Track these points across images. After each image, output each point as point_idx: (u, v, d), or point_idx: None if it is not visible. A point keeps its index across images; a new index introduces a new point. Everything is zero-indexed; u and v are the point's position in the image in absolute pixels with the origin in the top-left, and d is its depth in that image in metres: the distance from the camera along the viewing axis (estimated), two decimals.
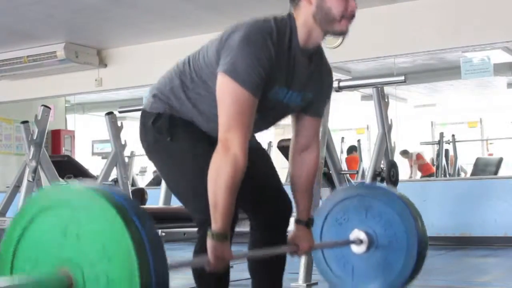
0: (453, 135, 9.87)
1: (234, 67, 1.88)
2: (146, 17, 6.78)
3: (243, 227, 2.22)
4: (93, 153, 9.90)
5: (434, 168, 10.17)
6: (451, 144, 9.78)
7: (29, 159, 5.32)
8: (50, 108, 5.49)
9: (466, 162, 10.74)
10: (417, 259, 2.64)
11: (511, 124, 10.87)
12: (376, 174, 4.26)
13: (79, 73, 8.21)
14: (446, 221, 6.26)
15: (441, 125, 11.99)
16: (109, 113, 5.57)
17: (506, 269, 4.75)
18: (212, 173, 1.87)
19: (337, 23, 2.01)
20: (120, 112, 5.42)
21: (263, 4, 6.13)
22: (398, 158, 10.50)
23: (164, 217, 3.15)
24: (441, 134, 9.67)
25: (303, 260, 3.70)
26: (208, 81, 2.01)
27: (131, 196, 5.60)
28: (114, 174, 5.67)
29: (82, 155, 9.78)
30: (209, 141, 2.04)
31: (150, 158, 2.17)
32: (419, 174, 11.16)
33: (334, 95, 4.14)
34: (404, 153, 11.19)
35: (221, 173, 1.85)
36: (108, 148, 5.86)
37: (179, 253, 5.97)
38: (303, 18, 2.01)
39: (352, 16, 2.02)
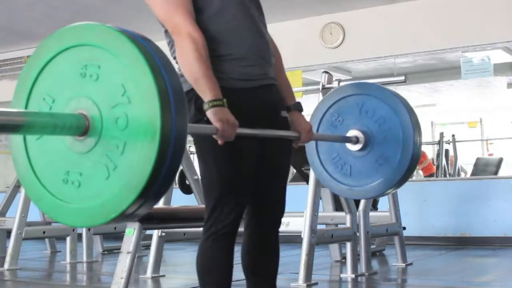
0: (453, 135, 9.87)
1: None
2: (145, 17, 6.76)
3: (241, 227, 2.22)
4: None
5: (434, 168, 10.18)
6: (451, 144, 9.78)
7: None
8: None
9: (466, 162, 10.75)
10: (413, 149, 2.60)
11: (511, 124, 10.88)
12: None
13: None
14: (446, 221, 6.26)
15: (441, 125, 11.99)
16: None
17: (506, 269, 4.75)
18: (180, 58, 1.93)
19: None
20: None
21: (263, 5, 6.09)
22: None
23: (164, 217, 3.15)
24: (441, 134, 9.67)
25: (303, 260, 3.70)
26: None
27: None
28: None
29: None
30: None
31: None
32: (419, 173, 11.17)
33: None
34: None
35: (185, 53, 1.91)
36: None
37: (179, 253, 5.97)
38: None
39: None
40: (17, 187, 5.67)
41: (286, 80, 2.26)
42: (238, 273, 2.22)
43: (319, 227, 3.96)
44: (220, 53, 2.02)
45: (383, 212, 4.87)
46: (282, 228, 2.24)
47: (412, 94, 11.03)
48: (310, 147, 2.75)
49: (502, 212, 6.03)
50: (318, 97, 4.09)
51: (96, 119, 1.51)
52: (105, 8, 6.42)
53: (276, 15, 6.43)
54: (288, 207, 2.24)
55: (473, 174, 9.39)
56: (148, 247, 4.43)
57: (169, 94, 1.46)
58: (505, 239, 5.97)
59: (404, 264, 4.58)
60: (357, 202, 4.27)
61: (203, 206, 2.13)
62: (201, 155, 2.08)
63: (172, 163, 1.49)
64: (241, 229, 2.15)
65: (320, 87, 4.10)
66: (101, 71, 1.52)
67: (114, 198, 1.49)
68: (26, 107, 1.63)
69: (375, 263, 4.69)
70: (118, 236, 5.29)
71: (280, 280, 2.25)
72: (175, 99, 1.48)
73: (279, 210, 2.21)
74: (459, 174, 9.97)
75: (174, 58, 2.04)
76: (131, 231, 3.00)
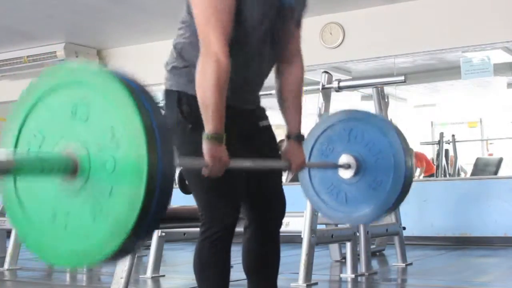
0: (453, 135, 9.86)
1: None
2: (146, 17, 6.78)
3: (240, 227, 2.22)
4: None
5: (434, 168, 10.17)
6: (451, 144, 9.77)
7: None
8: None
9: (466, 162, 10.74)
10: (405, 170, 2.57)
11: (511, 124, 10.87)
12: None
13: None
14: (446, 221, 6.26)
15: (441, 125, 11.98)
16: None
17: (506, 269, 4.75)
18: (199, 76, 1.89)
19: None
20: None
21: None
22: None
23: (164, 217, 3.15)
24: (441, 134, 9.66)
25: (303, 260, 3.70)
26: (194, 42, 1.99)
27: None
28: None
29: None
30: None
31: None
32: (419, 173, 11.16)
33: (334, 95, 4.16)
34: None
35: (206, 73, 1.87)
36: None
37: (179, 253, 5.97)
38: None
39: None
40: None
41: (298, 106, 2.22)
42: (238, 273, 2.22)
43: (319, 227, 3.96)
44: None
45: None
46: (282, 228, 2.24)
47: (412, 94, 11.03)
48: (304, 180, 2.75)
49: (502, 212, 6.03)
50: (318, 97, 4.09)
51: (85, 161, 1.51)
52: (105, 8, 6.42)
53: None
54: (288, 207, 2.24)
55: (473, 174, 9.39)
56: (148, 247, 4.43)
57: (156, 136, 1.46)
58: (505, 239, 5.97)
59: (404, 264, 4.58)
60: None
61: None
62: (185, 156, 2.07)
63: (159, 204, 1.48)
64: (241, 229, 2.15)
65: (320, 87, 4.10)
66: (91, 112, 1.51)
67: (101, 241, 1.48)
68: (16, 142, 1.62)
69: (375, 263, 4.69)
70: None
71: (280, 280, 2.25)
72: (162, 141, 1.47)
73: (280, 207, 2.21)
74: (459, 174, 9.96)
75: (175, 45, 2.05)
76: None
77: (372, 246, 5.03)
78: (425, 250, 5.82)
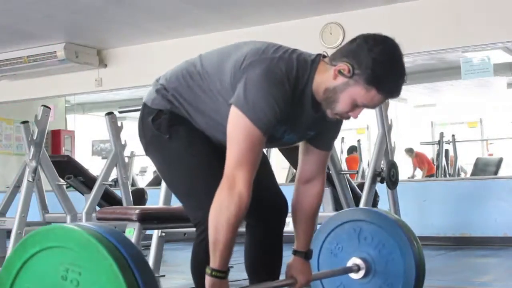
0: (453, 135, 9.86)
1: (252, 105, 1.83)
2: (146, 17, 6.77)
3: (243, 227, 2.22)
4: (93, 153, 9.91)
5: (434, 168, 10.18)
6: (451, 144, 9.78)
7: (29, 159, 5.31)
8: (50, 108, 5.49)
9: (466, 162, 10.75)
10: (416, 277, 2.57)
11: (511, 124, 10.88)
12: (376, 174, 4.26)
13: (79, 73, 8.21)
14: (446, 221, 6.26)
15: (441, 125, 11.99)
16: (109, 113, 5.57)
17: (506, 269, 4.75)
18: (215, 208, 1.83)
19: (330, 111, 1.94)
20: (120, 112, 5.40)
21: (263, 4, 6.12)
22: (402, 157, 10.52)
23: (164, 217, 3.14)
24: (441, 134, 9.66)
25: None
26: (217, 95, 1.97)
27: (131, 197, 5.59)
28: (114, 174, 5.67)
29: (82, 155, 9.78)
30: (207, 141, 2.05)
31: (148, 154, 2.15)
32: (419, 173, 11.17)
33: None
34: (409, 151, 11.18)
35: (224, 209, 1.81)
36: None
37: (179, 253, 5.97)
38: (321, 79, 1.93)
39: (346, 118, 1.97)
40: (17, 187, 5.68)
41: (311, 228, 2.22)
42: (238, 273, 2.22)
43: (319, 227, 3.95)
44: (207, 121, 2.04)
45: None
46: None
47: (412, 94, 11.04)
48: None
49: (502, 212, 6.03)
50: None
51: None
52: (105, 8, 6.41)
53: (276, 15, 6.42)
54: (288, 207, 2.24)
55: (473, 174, 9.39)
56: (148, 247, 4.43)
57: None
58: (505, 239, 5.97)
59: None
60: (357, 202, 4.27)
61: None
62: (168, 163, 2.09)
63: None
64: (242, 229, 2.15)
65: None
66: (81, 279, 1.51)
67: None
68: None
69: None
70: None
71: None
72: None
73: (283, 207, 2.21)
74: (459, 174, 9.97)
75: (190, 94, 2.04)
76: (131, 231, 3.00)
77: None
78: (425, 250, 5.75)
